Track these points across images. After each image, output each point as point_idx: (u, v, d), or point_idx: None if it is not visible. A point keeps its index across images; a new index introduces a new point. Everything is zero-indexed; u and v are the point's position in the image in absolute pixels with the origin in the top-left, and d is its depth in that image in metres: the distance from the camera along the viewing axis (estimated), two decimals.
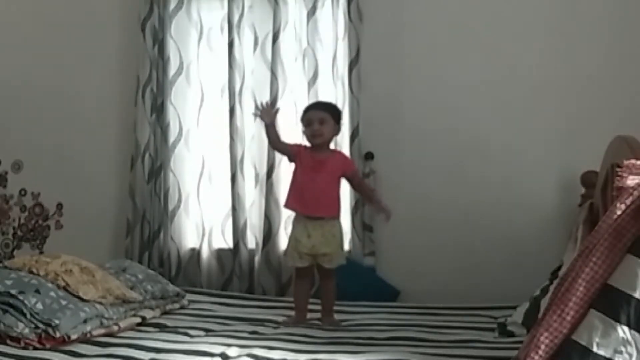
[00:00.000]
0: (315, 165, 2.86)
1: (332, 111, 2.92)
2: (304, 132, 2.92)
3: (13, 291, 2.45)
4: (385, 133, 3.43)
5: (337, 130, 2.95)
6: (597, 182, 2.59)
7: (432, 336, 2.53)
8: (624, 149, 2.05)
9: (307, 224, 2.85)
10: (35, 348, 2.33)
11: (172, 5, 3.62)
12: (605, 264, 1.62)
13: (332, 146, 2.99)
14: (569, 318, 1.61)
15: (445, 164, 3.37)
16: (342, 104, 3.40)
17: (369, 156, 3.41)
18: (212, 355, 2.25)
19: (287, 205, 2.97)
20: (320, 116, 2.87)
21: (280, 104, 3.43)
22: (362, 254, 3.38)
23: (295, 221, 2.93)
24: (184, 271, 3.60)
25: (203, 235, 3.59)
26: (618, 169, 1.76)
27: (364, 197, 3.18)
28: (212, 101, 3.63)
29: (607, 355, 1.54)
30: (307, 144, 2.93)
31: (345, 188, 3.08)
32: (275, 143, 2.97)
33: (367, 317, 2.90)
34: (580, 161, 3.00)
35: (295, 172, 2.93)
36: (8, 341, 2.35)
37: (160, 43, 3.62)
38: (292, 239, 2.90)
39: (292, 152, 2.95)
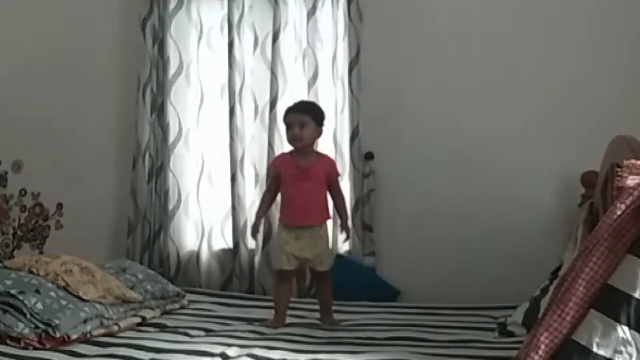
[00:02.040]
0: (299, 174, 2.80)
1: (313, 113, 2.82)
2: (286, 135, 2.87)
3: (13, 291, 2.45)
4: (385, 133, 3.42)
5: (319, 132, 2.86)
6: (597, 182, 2.59)
7: (432, 336, 2.54)
8: (624, 149, 2.05)
9: (295, 230, 2.81)
10: (35, 348, 2.34)
11: (172, 5, 3.62)
12: (605, 264, 1.62)
13: (331, 148, 2.96)
14: (569, 318, 1.61)
15: (445, 164, 3.37)
16: (342, 104, 3.41)
17: (369, 156, 3.41)
18: (212, 355, 2.26)
19: (280, 218, 2.91)
20: (300, 119, 2.78)
21: (280, 103, 3.43)
22: (362, 254, 3.38)
23: (282, 227, 2.88)
24: (184, 271, 3.60)
25: (203, 235, 3.59)
26: (618, 169, 1.76)
27: (335, 207, 2.95)
28: (212, 101, 3.63)
29: (607, 355, 1.54)
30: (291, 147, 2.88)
31: (345, 190, 3.07)
32: (269, 203, 2.97)
33: (367, 317, 2.90)
34: (580, 161, 3.00)
35: (282, 184, 2.87)
36: (8, 341, 2.35)
37: (160, 43, 3.62)
38: (280, 242, 2.85)
39: (275, 175, 2.90)
